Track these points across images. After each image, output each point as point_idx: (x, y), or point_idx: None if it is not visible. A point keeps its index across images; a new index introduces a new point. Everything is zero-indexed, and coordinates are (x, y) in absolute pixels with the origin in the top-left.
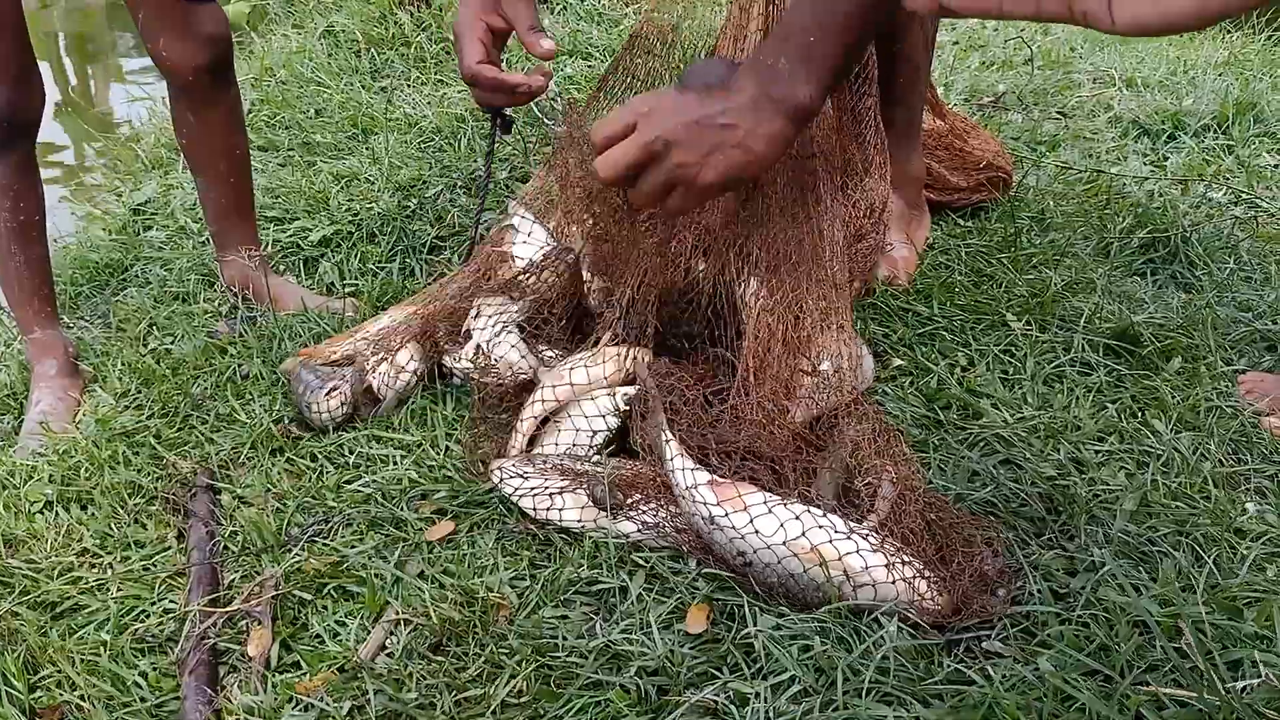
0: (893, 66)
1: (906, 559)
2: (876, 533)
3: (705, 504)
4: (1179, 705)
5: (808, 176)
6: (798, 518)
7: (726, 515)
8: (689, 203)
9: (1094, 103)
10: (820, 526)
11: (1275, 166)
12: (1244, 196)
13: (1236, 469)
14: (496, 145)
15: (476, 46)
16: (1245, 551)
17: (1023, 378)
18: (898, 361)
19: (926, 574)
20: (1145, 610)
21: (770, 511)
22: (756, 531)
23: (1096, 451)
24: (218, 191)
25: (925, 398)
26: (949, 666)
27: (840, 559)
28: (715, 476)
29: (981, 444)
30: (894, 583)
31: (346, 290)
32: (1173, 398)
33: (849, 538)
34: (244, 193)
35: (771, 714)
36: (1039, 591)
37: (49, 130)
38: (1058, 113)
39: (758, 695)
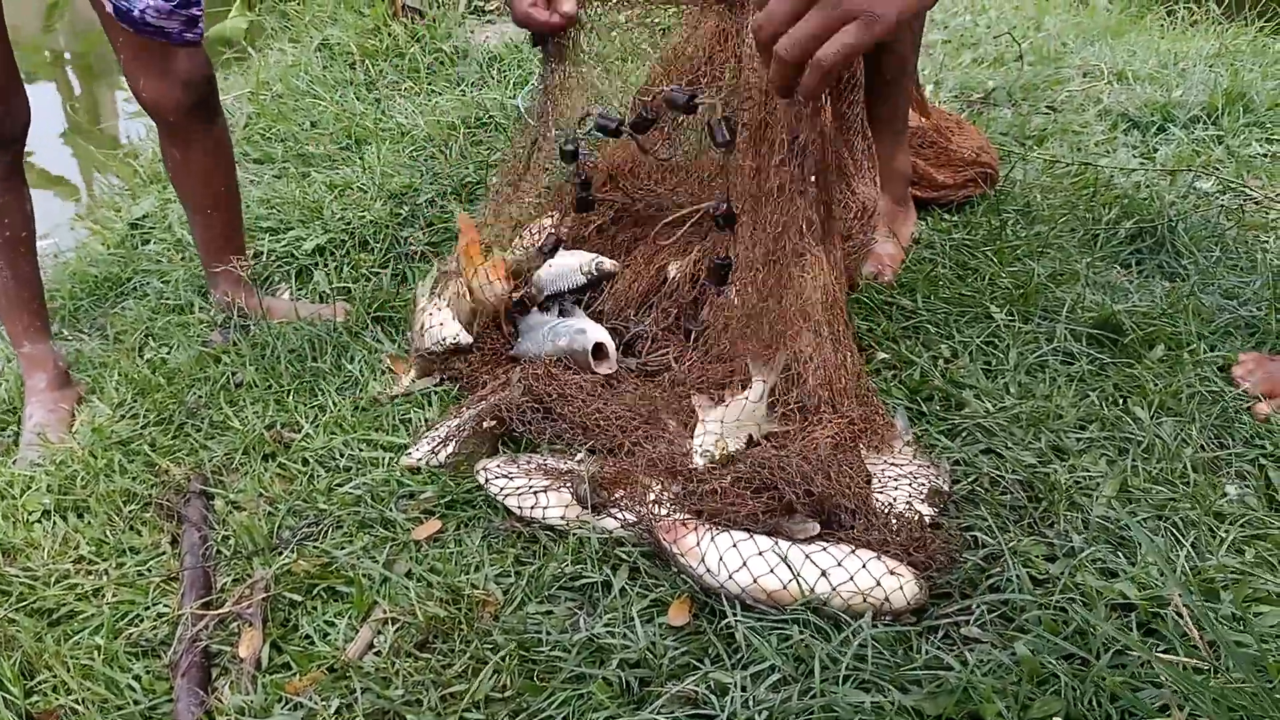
0: (879, 63)
1: (868, 560)
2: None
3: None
4: (1154, 685)
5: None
6: (746, 563)
7: (683, 556)
8: (841, 34)
9: (1084, 96)
10: (772, 570)
11: (1265, 156)
12: (1233, 186)
13: (1218, 454)
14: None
15: None
16: (1224, 534)
17: (1005, 368)
18: (881, 355)
19: (896, 570)
20: (1122, 593)
21: (721, 559)
22: (709, 571)
23: (1077, 439)
24: (203, 223)
25: (909, 390)
26: (927, 653)
27: (802, 597)
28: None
29: (963, 434)
30: (864, 599)
31: (338, 297)
32: (1155, 385)
33: (805, 564)
34: (230, 225)
35: (751, 703)
36: (1017, 578)
37: (58, 151)
38: (1047, 107)
39: (737, 685)
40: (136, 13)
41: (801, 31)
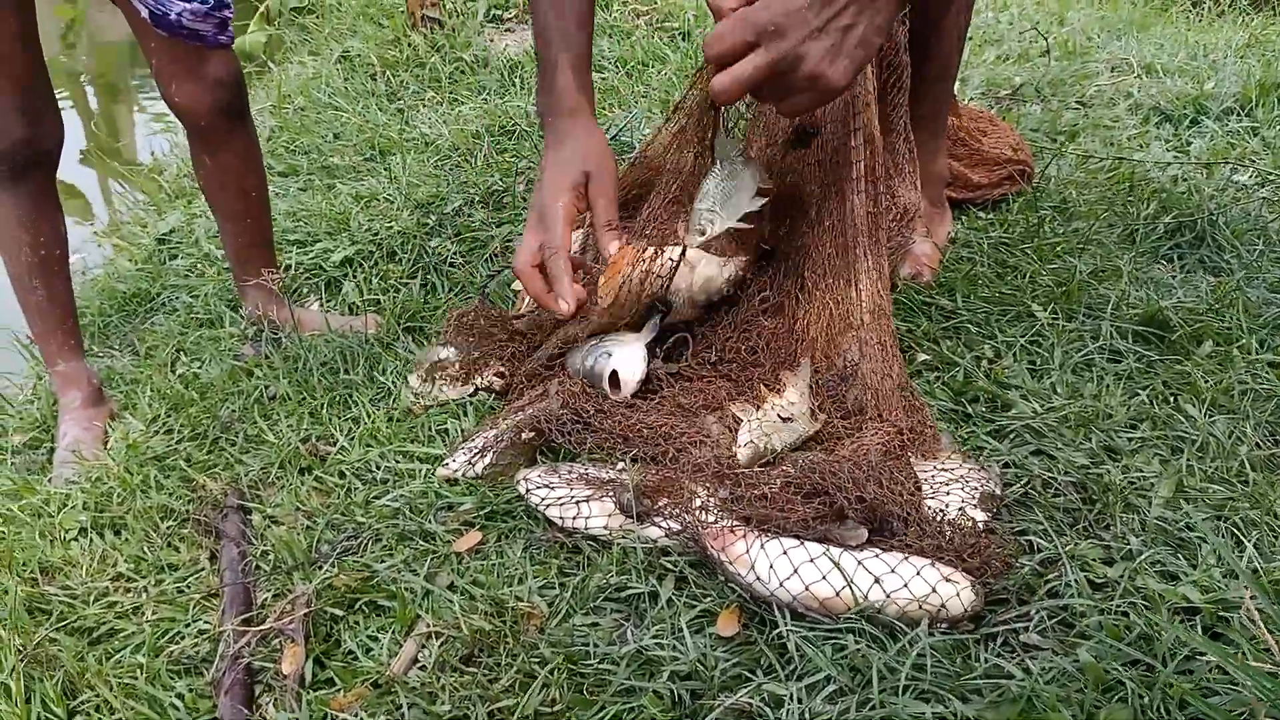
0: (922, 64)
1: (922, 567)
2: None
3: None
4: (1226, 691)
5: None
6: (797, 571)
7: (731, 564)
8: (815, 103)
9: (1113, 90)
10: (824, 578)
11: None
12: (1271, 178)
13: (1275, 451)
14: None
15: (532, 247)
16: None
17: (1051, 368)
18: (923, 356)
19: (951, 577)
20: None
21: (771, 566)
22: (759, 579)
23: (1129, 439)
24: (235, 230)
25: (953, 392)
26: (987, 661)
27: (856, 605)
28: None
29: (1012, 435)
30: (919, 607)
31: (369, 309)
32: (1205, 381)
33: (857, 571)
34: (261, 232)
35: (807, 715)
36: (1075, 582)
37: (76, 169)
38: (1077, 102)
39: (792, 697)
40: (173, 16)
41: (772, 92)
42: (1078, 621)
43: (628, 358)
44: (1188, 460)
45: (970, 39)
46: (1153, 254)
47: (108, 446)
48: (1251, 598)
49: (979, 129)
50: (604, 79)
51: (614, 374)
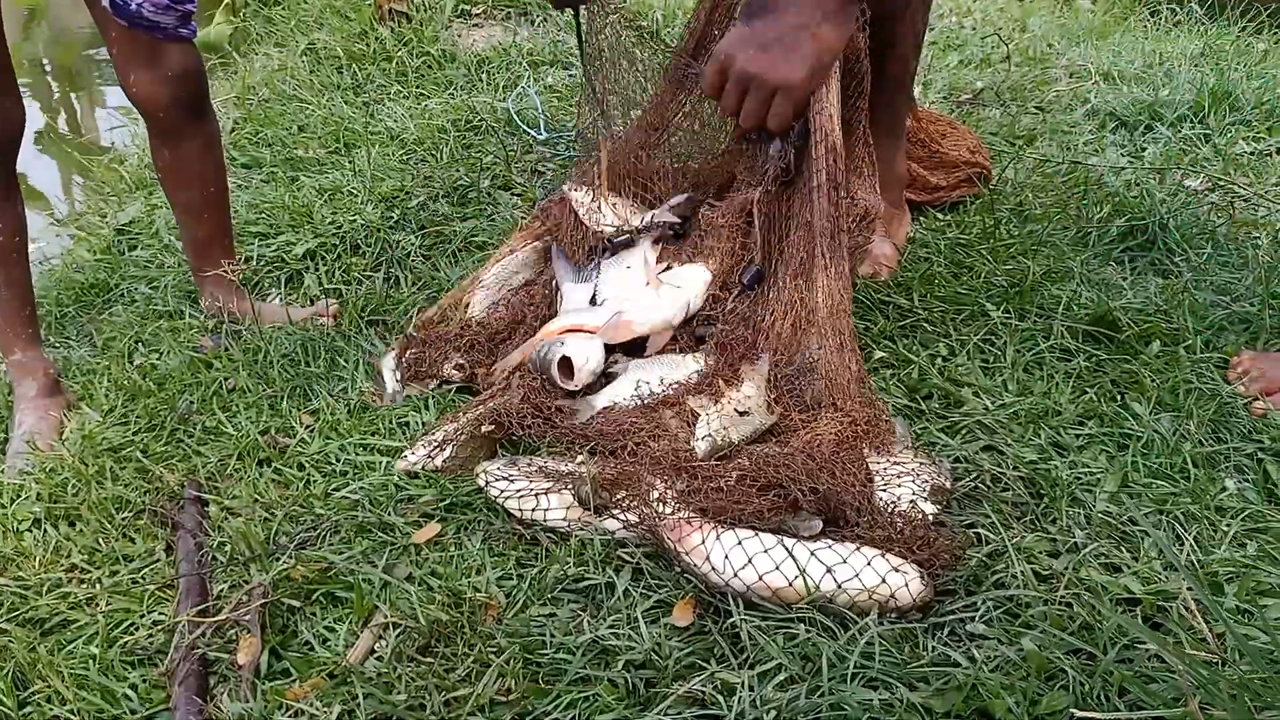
0: (882, 67)
1: (873, 557)
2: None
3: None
4: (1163, 679)
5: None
6: (751, 561)
7: (687, 555)
8: (790, 107)
9: (1071, 97)
10: (777, 568)
11: (1251, 154)
12: (1220, 183)
13: (1216, 448)
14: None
15: None
16: (1225, 528)
17: (1003, 366)
18: (879, 354)
19: (900, 568)
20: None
21: (726, 556)
22: (714, 569)
23: (1077, 435)
24: (192, 223)
25: (907, 388)
26: (934, 650)
27: (808, 594)
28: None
29: (964, 431)
30: (869, 596)
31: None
32: (1152, 380)
33: (810, 561)
34: (220, 225)
35: (758, 702)
36: (1021, 574)
37: (37, 158)
38: (1035, 108)
39: (744, 684)
40: (134, 6)
41: (749, 110)
42: (1023, 611)
43: (582, 346)
44: (1132, 456)
45: (934, 44)
46: (1105, 256)
47: (63, 437)
48: (1189, 589)
49: (938, 132)
50: (572, 75)
51: (566, 361)
